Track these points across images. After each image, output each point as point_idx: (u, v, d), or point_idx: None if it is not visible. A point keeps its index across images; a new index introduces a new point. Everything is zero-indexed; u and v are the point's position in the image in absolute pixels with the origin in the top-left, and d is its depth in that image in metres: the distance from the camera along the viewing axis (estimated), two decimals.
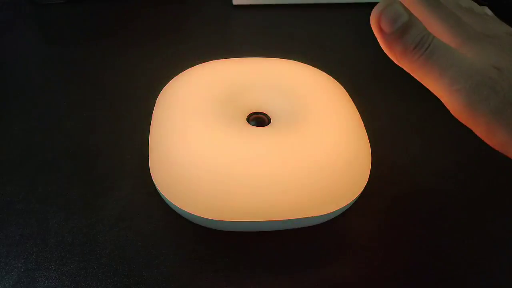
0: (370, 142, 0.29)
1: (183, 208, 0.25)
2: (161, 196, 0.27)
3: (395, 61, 0.19)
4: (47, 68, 0.40)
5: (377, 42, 0.20)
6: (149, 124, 0.29)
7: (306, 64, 0.33)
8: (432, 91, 0.19)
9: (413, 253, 0.28)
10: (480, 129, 0.18)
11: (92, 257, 0.26)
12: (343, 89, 0.32)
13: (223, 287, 0.26)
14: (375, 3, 0.19)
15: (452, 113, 0.18)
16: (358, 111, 0.30)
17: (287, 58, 0.33)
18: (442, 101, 0.18)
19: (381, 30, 0.18)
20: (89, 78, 0.38)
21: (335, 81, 0.32)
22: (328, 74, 0.32)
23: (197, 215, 0.25)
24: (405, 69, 0.19)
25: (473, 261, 0.27)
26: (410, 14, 0.18)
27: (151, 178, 0.27)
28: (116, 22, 0.45)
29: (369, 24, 0.19)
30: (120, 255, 0.26)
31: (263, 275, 0.26)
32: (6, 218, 0.28)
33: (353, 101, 0.31)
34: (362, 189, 0.27)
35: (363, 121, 0.30)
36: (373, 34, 0.20)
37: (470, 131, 0.35)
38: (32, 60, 0.41)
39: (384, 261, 0.27)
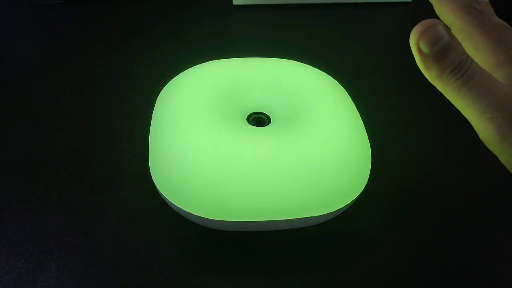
0: (370, 142, 0.29)
1: (183, 208, 0.25)
2: (161, 196, 0.27)
3: (430, 80, 0.19)
4: (47, 68, 0.40)
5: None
6: (149, 124, 0.29)
7: (306, 64, 0.33)
8: (463, 114, 0.19)
9: (413, 252, 0.28)
10: (505, 159, 0.18)
11: (92, 257, 0.26)
12: (343, 89, 0.32)
13: (223, 287, 0.26)
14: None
15: (481, 139, 0.19)
16: (358, 111, 0.30)
17: (287, 58, 0.33)
18: (472, 125, 0.19)
19: (419, 50, 0.18)
20: (89, 78, 0.38)
21: (335, 81, 0.32)
22: (328, 74, 0.32)
23: (197, 215, 0.25)
24: (439, 89, 0.19)
25: (473, 260, 0.27)
26: (452, 37, 0.18)
27: (151, 178, 0.27)
28: (116, 22, 0.45)
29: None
30: (120, 255, 0.26)
31: (263, 275, 0.26)
32: (6, 218, 0.28)
33: (353, 101, 0.31)
34: (362, 189, 0.27)
35: (363, 121, 0.30)
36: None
37: (469, 132, 0.35)
38: (31, 60, 0.41)
39: (384, 261, 0.27)
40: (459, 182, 0.32)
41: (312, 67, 0.33)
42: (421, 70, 0.19)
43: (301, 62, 0.33)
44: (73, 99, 0.36)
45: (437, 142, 0.35)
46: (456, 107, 0.19)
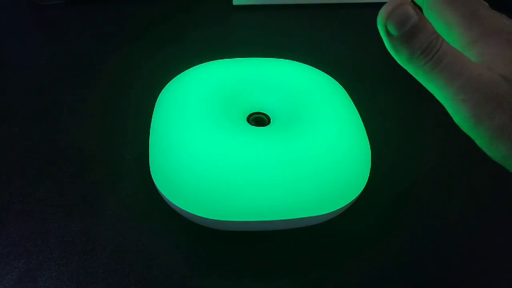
0: (370, 142, 0.29)
1: (183, 208, 0.25)
2: (161, 196, 0.27)
3: (401, 64, 0.19)
4: (47, 68, 0.40)
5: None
6: (149, 124, 0.29)
7: (306, 64, 0.33)
8: (436, 98, 0.18)
9: (414, 252, 0.28)
10: (481, 141, 0.17)
11: (92, 257, 0.26)
12: (343, 89, 0.32)
13: (223, 287, 0.26)
14: (375, 3, 0.19)
15: (455, 122, 0.18)
16: (358, 111, 0.30)
17: (287, 58, 0.33)
18: (446, 108, 0.18)
19: (388, 32, 0.17)
20: (89, 78, 0.38)
21: (335, 81, 0.32)
22: (328, 74, 0.32)
23: (197, 215, 0.25)
24: (410, 73, 0.18)
25: (473, 260, 0.27)
26: (420, 16, 0.17)
27: (151, 178, 0.27)
28: (115, 23, 0.45)
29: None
30: (120, 255, 0.26)
31: (263, 275, 0.26)
32: (6, 218, 0.28)
33: (353, 101, 0.31)
34: (362, 189, 0.27)
35: (363, 121, 0.30)
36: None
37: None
38: (32, 60, 0.41)
39: (384, 261, 0.27)
40: (459, 182, 0.32)
41: (312, 67, 0.33)
42: (391, 54, 0.18)
43: (301, 62, 0.33)
44: (73, 99, 0.36)
45: (437, 142, 0.35)
46: (429, 90, 0.18)
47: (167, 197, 0.26)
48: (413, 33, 0.17)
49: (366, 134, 0.29)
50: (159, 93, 0.31)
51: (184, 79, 0.31)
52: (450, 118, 0.19)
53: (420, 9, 0.20)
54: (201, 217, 0.25)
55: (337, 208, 0.26)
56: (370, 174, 0.28)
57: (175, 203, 0.25)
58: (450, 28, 0.18)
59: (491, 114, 0.16)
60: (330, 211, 0.26)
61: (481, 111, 0.16)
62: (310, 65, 0.33)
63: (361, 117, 0.30)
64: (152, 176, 0.27)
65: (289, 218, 0.25)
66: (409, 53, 0.17)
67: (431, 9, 0.19)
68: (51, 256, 0.26)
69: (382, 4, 0.18)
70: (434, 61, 0.17)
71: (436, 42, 0.17)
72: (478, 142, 0.17)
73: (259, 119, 0.30)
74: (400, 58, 0.18)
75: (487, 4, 0.19)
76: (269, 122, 0.30)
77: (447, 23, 0.19)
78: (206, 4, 0.48)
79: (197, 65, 0.32)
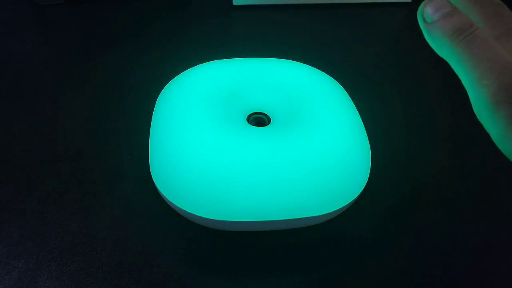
0: (370, 142, 0.29)
1: (183, 208, 0.25)
2: (161, 196, 0.27)
3: (435, 49, 0.19)
4: (47, 69, 0.40)
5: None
6: (149, 124, 0.29)
7: (306, 64, 0.33)
8: (462, 83, 0.18)
9: (413, 252, 0.28)
10: (496, 132, 0.17)
11: (92, 257, 0.26)
12: (343, 89, 0.32)
13: (223, 287, 0.26)
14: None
15: (474, 109, 0.18)
16: (358, 111, 0.30)
17: (287, 58, 0.33)
18: (469, 95, 0.18)
19: (424, 21, 0.19)
20: (89, 78, 0.38)
21: (335, 81, 0.32)
22: (328, 74, 0.32)
23: (197, 215, 0.25)
24: (444, 58, 0.19)
25: (473, 260, 0.27)
26: (455, 7, 0.18)
27: (151, 178, 0.27)
28: (115, 23, 0.45)
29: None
30: (120, 255, 0.26)
31: (263, 275, 0.26)
32: (6, 218, 0.28)
33: (353, 101, 0.31)
34: (362, 189, 0.27)
35: (363, 121, 0.30)
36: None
37: (469, 132, 0.35)
38: (32, 60, 0.41)
39: (384, 261, 0.27)
40: (459, 182, 0.32)
41: (312, 67, 0.33)
42: (427, 41, 0.19)
43: (301, 62, 0.33)
44: (73, 99, 0.36)
45: (437, 142, 0.35)
46: (458, 74, 0.18)
47: (167, 197, 0.26)
48: (447, 17, 0.18)
49: (366, 134, 0.29)
50: (159, 93, 0.31)
51: (184, 79, 0.31)
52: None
53: None
54: (201, 217, 0.25)
55: (337, 208, 0.26)
56: (370, 174, 0.28)
57: (175, 203, 0.25)
58: (475, 22, 0.19)
59: (510, 102, 0.16)
60: (330, 211, 0.26)
61: (502, 97, 0.16)
62: (310, 65, 0.33)
63: (361, 117, 0.30)
64: (152, 176, 0.27)
65: (289, 218, 0.25)
66: (441, 32, 0.18)
67: (457, 5, 0.20)
68: (51, 256, 0.26)
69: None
70: (466, 42, 0.18)
71: (470, 27, 0.18)
72: (493, 132, 0.17)
73: (259, 119, 0.30)
74: (434, 41, 0.19)
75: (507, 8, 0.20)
76: (269, 122, 0.30)
77: (473, 18, 0.19)
78: (206, 4, 0.48)
79: (197, 65, 0.32)
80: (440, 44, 0.18)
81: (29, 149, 0.32)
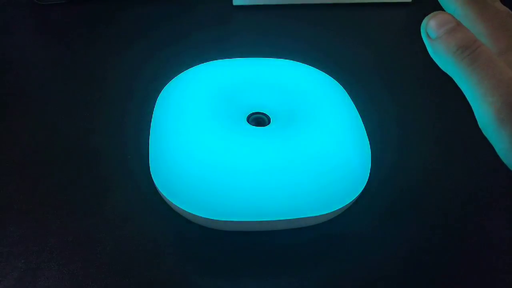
0: (370, 142, 0.29)
1: (183, 208, 0.25)
2: (161, 196, 0.27)
3: (440, 65, 0.19)
4: (47, 68, 0.40)
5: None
6: (149, 124, 0.29)
7: (306, 64, 0.33)
8: (467, 99, 0.18)
9: (413, 253, 0.28)
10: (501, 147, 0.17)
11: (92, 257, 0.26)
12: (343, 89, 0.32)
13: (223, 287, 0.26)
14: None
15: (479, 125, 0.18)
16: (358, 111, 0.30)
17: (287, 58, 0.33)
18: (474, 111, 0.18)
19: (428, 36, 0.19)
20: (89, 78, 0.38)
21: (335, 81, 0.32)
22: (328, 74, 0.32)
23: (197, 215, 0.25)
24: (449, 74, 0.19)
25: (473, 260, 0.27)
26: (459, 23, 0.18)
27: (151, 178, 0.27)
28: (116, 23, 0.45)
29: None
30: (120, 255, 0.26)
31: (263, 275, 0.26)
32: (6, 218, 0.28)
33: (353, 101, 0.31)
34: (362, 189, 0.27)
35: (363, 121, 0.30)
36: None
37: (468, 133, 0.35)
38: (32, 60, 0.41)
39: (384, 261, 0.27)
40: (459, 183, 0.32)
41: (312, 67, 0.33)
42: (432, 56, 0.19)
43: (301, 62, 0.33)
44: (73, 99, 0.36)
45: (437, 142, 0.35)
46: (461, 89, 0.18)
47: (167, 197, 0.26)
48: (451, 33, 0.18)
49: (366, 134, 0.29)
50: (159, 93, 0.31)
51: (184, 79, 0.31)
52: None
53: None
54: (201, 217, 0.25)
55: (337, 208, 0.26)
56: (370, 174, 0.28)
57: (175, 203, 0.25)
58: (480, 38, 0.19)
59: None
60: (330, 211, 0.26)
61: (506, 115, 0.17)
62: (310, 65, 0.33)
63: (361, 117, 0.30)
64: (152, 176, 0.27)
65: (289, 218, 0.25)
66: (446, 48, 0.18)
67: (463, 18, 0.20)
68: (51, 256, 0.26)
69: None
70: (470, 59, 0.18)
71: (475, 42, 0.18)
72: (498, 147, 0.18)
73: (259, 119, 0.30)
74: (438, 58, 0.19)
75: None
76: (269, 122, 0.30)
77: (478, 34, 0.19)
78: (206, 4, 0.48)
79: (197, 65, 0.32)
80: (444, 60, 0.18)
81: (29, 149, 0.32)
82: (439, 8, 0.20)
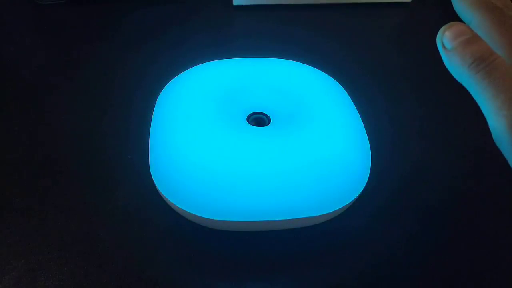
0: (370, 142, 0.29)
1: (183, 208, 0.25)
2: (161, 196, 0.27)
3: (455, 76, 0.19)
4: (47, 68, 0.40)
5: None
6: (149, 124, 0.29)
7: (306, 64, 0.33)
8: (483, 112, 0.18)
9: (413, 253, 0.28)
10: None
11: (92, 257, 0.26)
12: (343, 89, 0.32)
13: (223, 287, 0.26)
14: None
15: (493, 137, 0.18)
16: (358, 111, 0.30)
17: (287, 58, 0.33)
18: (488, 123, 0.18)
19: (444, 46, 0.19)
20: (89, 79, 0.38)
21: (335, 81, 0.32)
22: (328, 74, 0.32)
23: (197, 215, 0.25)
24: (463, 85, 0.19)
25: (473, 260, 0.27)
26: (475, 34, 0.18)
27: (151, 178, 0.27)
28: (116, 23, 0.45)
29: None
30: (120, 255, 0.26)
31: (263, 275, 0.26)
32: (6, 217, 0.28)
33: (353, 101, 0.31)
34: (362, 189, 0.27)
35: (363, 121, 0.30)
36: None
37: (469, 134, 0.35)
38: (32, 60, 0.41)
39: (384, 261, 0.27)
40: (459, 183, 0.32)
41: (312, 67, 0.33)
42: (447, 67, 0.19)
43: (301, 62, 0.33)
44: (73, 99, 0.36)
45: (437, 142, 0.35)
46: (478, 103, 0.18)
47: (167, 197, 0.26)
48: (466, 45, 0.18)
49: (366, 134, 0.29)
50: (159, 93, 0.31)
51: (184, 79, 0.31)
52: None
53: None
54: (201, 217, 0.25)
55: (337, 208, 0.26)
56: (370, 174, 0.28)
57: (175, 203, 0.25)
58: (496, 48, 0.19)
59: None
60: (330, 211, 0.26)
61: None
62: (310, 65, 0.33)
63: (361, 117, 0.30)
64: (152, 176, 0.27)
65: (289, 218, 0.25)
66: (461, 60, 0.18)
67: (479, 28, 0.20)
68: (51, 256, 0.26)
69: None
70: (486, 72, 0.17)
71: (490, 56, 0.18)
72: (511, 160, 0.18)
73: (259, 119, 0.30)
74: (454, 69, 0.19)
75: None
76: (269, 122, 0.30)
77: (494, 44, 0.19)
78: (206, 4, 0.48)
79: (197, 65, 0.32)
80: (459, 72, 0.18)
81: (29, 148, 0.32)
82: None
